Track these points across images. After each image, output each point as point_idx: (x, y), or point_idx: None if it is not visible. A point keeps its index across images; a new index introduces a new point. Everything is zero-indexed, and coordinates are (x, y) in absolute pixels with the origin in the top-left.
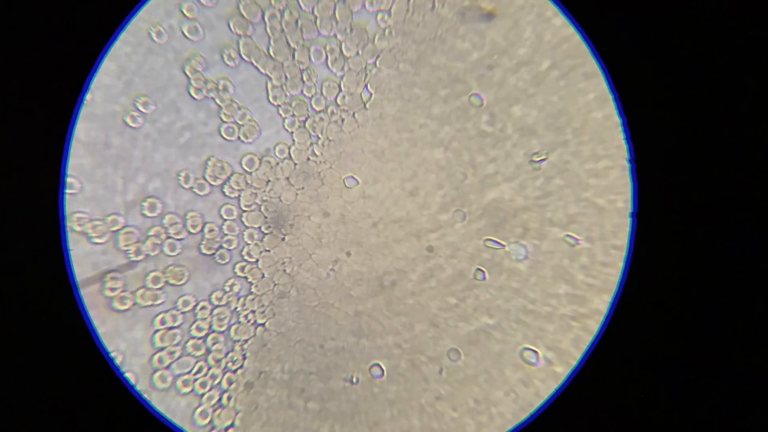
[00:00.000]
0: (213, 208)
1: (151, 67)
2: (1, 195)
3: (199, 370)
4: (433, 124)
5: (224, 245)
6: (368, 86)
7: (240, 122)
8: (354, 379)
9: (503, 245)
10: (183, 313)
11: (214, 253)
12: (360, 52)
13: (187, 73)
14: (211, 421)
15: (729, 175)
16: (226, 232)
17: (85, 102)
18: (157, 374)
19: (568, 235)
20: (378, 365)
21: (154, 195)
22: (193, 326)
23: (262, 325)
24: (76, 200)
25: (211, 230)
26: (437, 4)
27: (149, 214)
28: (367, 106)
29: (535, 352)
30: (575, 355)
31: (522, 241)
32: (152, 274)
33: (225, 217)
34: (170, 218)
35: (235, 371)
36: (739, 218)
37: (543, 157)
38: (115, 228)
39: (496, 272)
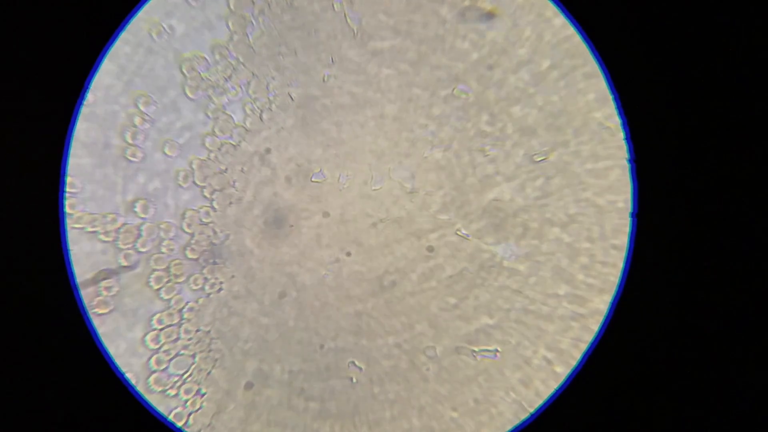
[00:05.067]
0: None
1: (151, 67)
2: (1, 195)
3: (191, 373)
4: (433, 124)
5: (214, 243)
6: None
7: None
8: (354, 379)
9: (469, 235)
10: (179, 311)
11: (205, 255)
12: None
13: (185, 72)
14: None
15: (729, 174)
16: (217, 230)
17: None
18: (153, 376)
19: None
20: (353, 362)
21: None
22: (182, 328)
23: (263, 324)
24: (76, 200)
25: (202, 232)
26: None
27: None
28: (326, 80)
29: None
30: (575, 355)
31: (507, 242)
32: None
33: (206, 221)
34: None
35: (210, 372)
36: (739, 218)
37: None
38: (115, 227)
39: (496, 272)
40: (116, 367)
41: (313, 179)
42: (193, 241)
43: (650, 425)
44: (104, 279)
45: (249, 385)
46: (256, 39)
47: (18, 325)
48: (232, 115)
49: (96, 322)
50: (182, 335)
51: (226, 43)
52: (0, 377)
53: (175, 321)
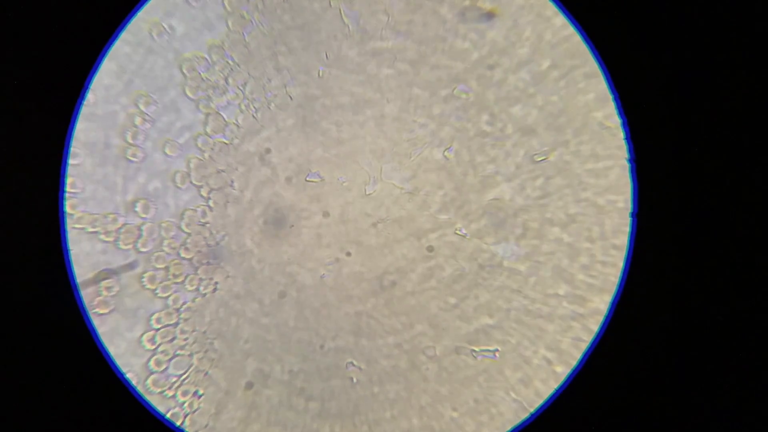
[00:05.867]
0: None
1: (151, 67)
2: (1, 195)
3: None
4: (433, 124)
5: (218, 243)
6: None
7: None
8: (354, 379)
9: (467, 233)
10: (176, 310)
11: (207, 254)
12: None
13: (185, 72)
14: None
15: (729, 174)
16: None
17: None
18: (151, 378)
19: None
20: (351, 362)
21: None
22: (177, 328)
23: (263, 324)
24: (77, 200)
25: (199, 233)
26: None
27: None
28: (320, 75)
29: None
30: (575, 355)
31: (507, 242)
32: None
33: (202, 222)
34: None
35: (207, 373)
36: (739, 218)
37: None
38: (116, 227)
39: (497, 272)
40: (116, 367)
41: (307, 179)
42: (188, 241)
43: (650, 425)
44: (104, 279)
45: (249, 385)
46: (253, 39)
47: (18, 325)
48: (223, 115)
49: (96, 322)
50: (178, 335)
51: (221, 43)
52: (0, 377)
53: (173, 321)
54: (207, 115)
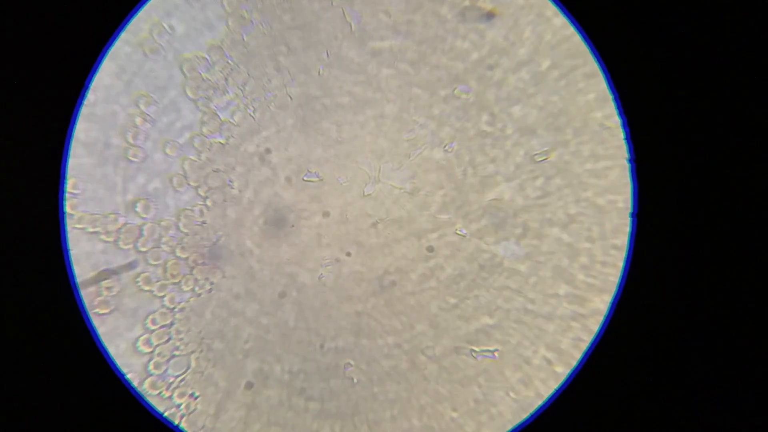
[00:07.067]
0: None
1: (151, 67)
2: (1, 195)
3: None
4: (433, 124)
5: (218, 242)
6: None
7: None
8: (354, 379)
9: (467, 233)
10: (170, 310)
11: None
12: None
13: (185, 72)
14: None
15: (729, 174)
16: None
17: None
18: (149, 380)
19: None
20: (350, 363)
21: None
22: (173, 329)
23: (263, 324)
24: (77, 200)
25: (196, 233)
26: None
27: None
28: (320, 73)
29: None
30: (575, 355)
31: (509, 240)
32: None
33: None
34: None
35: (204, 374)
36: (739, 218)
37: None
38: (116, 227)
39: (497, 272)
40: (116, 367)
41: (304, 178)
42: (184, 241)
43: (650, 425)
44: (105, 279)
45: (249, 385)
46: (253, 39)
47: (18, 326)
48: (221, 115)
49: (96, 322)
50: (173, 335)
51: (220, 42)
52: (0, 377)
53: (168, 321)
54: (204, 114)
